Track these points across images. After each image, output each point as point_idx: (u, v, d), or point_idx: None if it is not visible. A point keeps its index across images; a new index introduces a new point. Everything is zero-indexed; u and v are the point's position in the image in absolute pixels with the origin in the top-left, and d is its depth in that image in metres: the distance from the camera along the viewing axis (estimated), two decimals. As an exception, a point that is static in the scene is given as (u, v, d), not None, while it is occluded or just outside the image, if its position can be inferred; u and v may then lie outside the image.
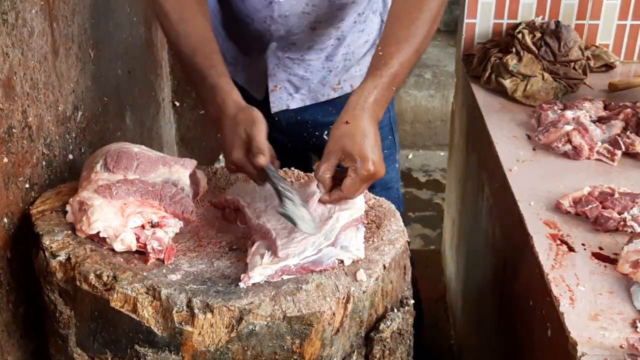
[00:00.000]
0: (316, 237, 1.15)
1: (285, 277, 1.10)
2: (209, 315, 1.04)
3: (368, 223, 1.28)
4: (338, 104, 1.72)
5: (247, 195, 1.31)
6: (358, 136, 1.21)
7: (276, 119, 1.76)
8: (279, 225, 1.19)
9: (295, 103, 1.73)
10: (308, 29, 1.59)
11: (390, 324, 1.18)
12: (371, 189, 1.81)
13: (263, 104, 1.73)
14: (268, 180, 1.23)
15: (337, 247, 1.16)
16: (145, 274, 1.10)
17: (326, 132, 1.75)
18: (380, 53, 1.31)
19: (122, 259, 1.14)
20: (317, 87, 1.72)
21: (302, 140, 1.81)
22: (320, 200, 1.22)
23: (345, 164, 1.22)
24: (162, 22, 1.42)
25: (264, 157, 1.22)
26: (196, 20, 1.40)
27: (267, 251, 1.13)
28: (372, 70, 1.31)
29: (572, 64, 2.02)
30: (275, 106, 1.73)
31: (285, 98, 1.72)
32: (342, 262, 1.15)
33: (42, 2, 1.31)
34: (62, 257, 1.12)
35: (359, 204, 1.25)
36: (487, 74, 2.06)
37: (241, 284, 1.08)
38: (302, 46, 1.63)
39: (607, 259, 1.26)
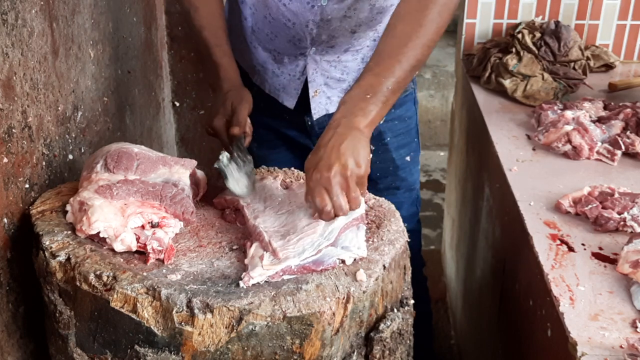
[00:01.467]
0: (315, 238, 1.15)
1: (286, 277, 1.11)
2: (208, 315, 1.04)
3: (368, 223, 1.28)
4: None
5: (248, 196, 1.31)
6: (316, 155, 1.22)
7: (309, 123, 1.74)
8: (273, 227, 1.19)
9: (334, 106, 1.71)
10: (348, 32, 1.59)
11: (390, 324, 1.18)
12: (396, 190, 1.82)
13: (294, 112, 1.72)
14: (233, 146, 1.43)
15: (337, 247, 1.16)
16: (145, 274, 1.10)
17: None
18: (370, 74, 1.31)
19: (122, 259, 1.14)
20: None
21: None
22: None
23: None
24: None
25: (239, 128, 1.43)
26: None
27: (265, 253, 1.13)
28: (359, 90, 1.29)
29: (572, 64, 2.02)
30: (317, 112, 1.71)
31: (324, 102, 1.71)
32: (343, 261, 1.15)
33: (42, 2, 1.31)
34: (62, 257, 1.12)
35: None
36: (487, 74, 2.06)
37: (241, 284, 1.08)
38: (340, 49, 1.64)
39: (607, 259, 1.27)
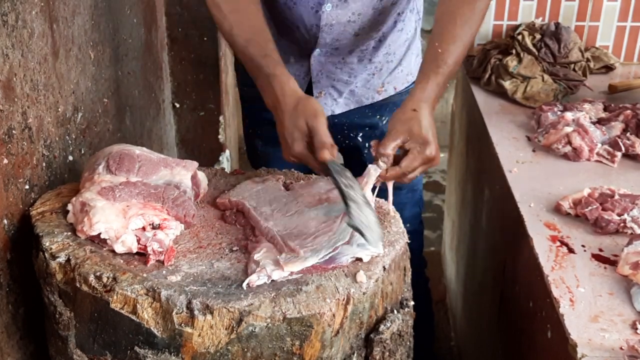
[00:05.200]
0: (331, 236, 1.15)
1: (291, 277, 1.11)
2: (208, 316, 1.04)
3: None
4: (375, 107, 1.74)
5: (252, 198, 1.30)
6: (424, 122, 1.29)
7: None
8: (285, 230, 1.19)
9: (340, 108, 1.73)
10: (352, 35, 1.60)
11: (390, 326, 1.17)
12: (399, 190, 1.83)
13: None
14: (330, 176, 1.22)
15: (353, 245, 1.16)
16: (145, 275, 1.10)
17: (361, 134, 1.76)
18: (439, 50, 1.37)
19: (122, 261, 1.14)
20: (361, 90, 1.72)
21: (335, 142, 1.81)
22: (379, 176, 1.26)
23: (407, 146, 1.28)
24: (214, 13, 1.44)
25: (328, 151, 1.23)
26: (249, 9, 1.42)
27: (281, 254, 1.13)
28: (432, 67, 1.37)
29: (572, 65, 2.02)
30: None
31: (330, 104, 1.71)
32: (360, 259, 1.15)
33: (42, 4, 1.31)
34: (62, 258, 1.12)
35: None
36: (487, 76, 2.06)
37: (244, 284, 1.08)
38: (344, 51, 1.64)
39: (607, 261, 1.27)
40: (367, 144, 1.77)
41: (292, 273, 1.11)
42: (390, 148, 1.27)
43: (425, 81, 1.35)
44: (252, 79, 1.40)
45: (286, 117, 1.29)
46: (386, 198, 1.37)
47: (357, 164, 1.73)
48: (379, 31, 1.64)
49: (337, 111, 1.72)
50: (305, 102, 1.29)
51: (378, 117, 1.75)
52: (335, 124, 1.75)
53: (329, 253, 1.13)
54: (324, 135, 1.25)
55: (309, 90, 1.70)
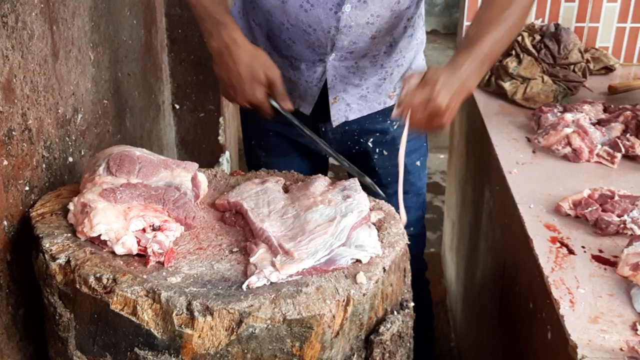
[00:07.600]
0: (326, 238, 1.16)
1: (292, 278, 1.11)
2: (208, 318, 1.04)
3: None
4: (387, 112, 1.74)
5: (251, 199, 1.30)
6: (441, 72, 1.32)
7: (323, 130, 1.73)
8: (280, 232, 1.19)
9: (354, 114, 1.71)
10: (369, 38, 1.59)
11: (390, 327, 1.18)
12: (404, 194, 1.83)
13: (308, 118, 1.70)
14: (294, 123, 1.50)
15: (350, 246, 1.16)
16: (145, 276, 1.10)
17: (371, 140, 1.76)
18: (471, 35, 1.40)
19: (122, 262, 1.14)
20: (373, 95, 1.71)
21: (344, 148, 1.79)
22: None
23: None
24: None
25: (290, 102, 1.49)
26: None
27: (275, 257, 1.13)
28: (461, 49, 1.39)
29: (572, 66, 2.02)
30: (336, 120, 1.70)
31: (343, 109, 1.70)
32: (358, 261, 1.15)
33: (42, 5, 1.31)
34: (61, 259, 1.12)
35: (362, 204, 1.26)
36: (486, 77, 2.06)
37: (244, 286, 1.08)
38: (359, 54, 1.63)
39: (607, 262, 1.27)
40: (377, 150, 1.77)
41: (291, 275, 1.11)
42: (413, 80, 1.32)
43: (452, 60, 1.37)
44: (199, 21, 1.50)
45: (242, 67, 1.44)
46: (394, 203, 1.38)
47: (367, 169, 1.72)
48: (392, 36, 1.63)
49: (351, 117, 1.71)
50: (262, 56, 1.47)
51: (389, 122, 1.74)
52: (346, 130, 1.74)
53: (325, 255, 1.13)
54: (283, 87, 1.47)
55: (322, 97, 1.68)
